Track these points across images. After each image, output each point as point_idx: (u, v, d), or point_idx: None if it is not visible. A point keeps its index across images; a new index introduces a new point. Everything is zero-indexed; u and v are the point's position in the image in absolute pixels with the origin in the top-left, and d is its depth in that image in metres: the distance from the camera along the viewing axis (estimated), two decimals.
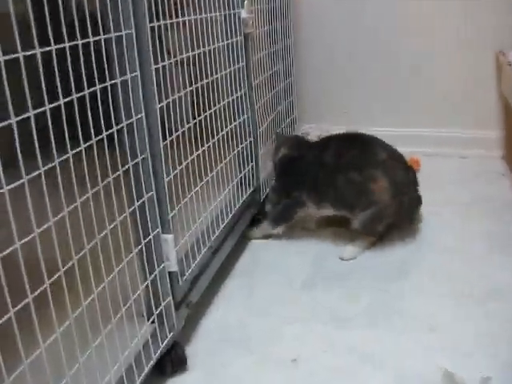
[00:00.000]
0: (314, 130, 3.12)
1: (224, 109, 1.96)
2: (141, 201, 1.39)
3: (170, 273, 1.52)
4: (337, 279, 1.98)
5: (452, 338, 1.64)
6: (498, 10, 2.98)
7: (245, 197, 2.14)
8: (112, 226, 1.26)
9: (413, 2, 3.09)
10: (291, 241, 2.25)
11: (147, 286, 1.44)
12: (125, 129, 1.32)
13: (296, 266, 2.07)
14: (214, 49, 1.87)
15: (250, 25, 2.10)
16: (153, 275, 1.45)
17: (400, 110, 3.23)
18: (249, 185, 2.20)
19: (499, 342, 1.61)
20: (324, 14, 3.21)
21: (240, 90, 2.07)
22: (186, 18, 1.64)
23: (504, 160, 3.07)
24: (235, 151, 2.05)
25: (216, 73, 1.90)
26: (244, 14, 2.05)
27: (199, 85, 1.75)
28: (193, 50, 1.71)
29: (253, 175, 2.21)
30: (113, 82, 1.26)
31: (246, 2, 2.06)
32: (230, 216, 1.99)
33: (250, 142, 2.16)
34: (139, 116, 1.35)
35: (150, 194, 1.41)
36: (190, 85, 1.72)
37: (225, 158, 1.95)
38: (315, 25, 3.23)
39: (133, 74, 1.32)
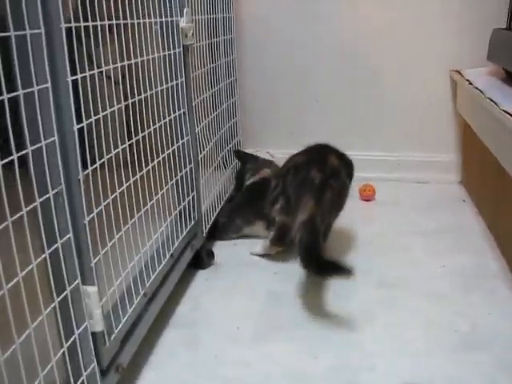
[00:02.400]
0: (259, 154, 2.85)
1: (160, 131, 1.68)
2: (53, 247, 1.09)
3: (93, 333, 1.22)
4: (293, 328, 1.71)
5: None
6: (451, 28, 2.81)
7: (185, 232, 1.86)
8: (14, 281, 0.97)
9: (363, 17, 2.88)
10: (238, 281, 1.98)
11: (64, 354, 1.14)
12: (30, 155, 1.02)
13: (244, 312, 1.79)
14: (149, 61, 1.60)
15: (190, 36, 1.84)
16: (71, 339, 1.15)
17: (351, 132, 3.00)
18: (189, 218, 1.92)
19: None
20: (270, 30, 2.97)
21: (179, 110, 1.80)
22: (114, 22, 1.36)
23: (462, 185, 2.88)
24: (173, 180, 1.76)
25: (151, 89, 1.62)
26: (183, 23, 1.79)
27: (130, 102, 1.46)
28: (123, 61, 1.43)
29: (194, 206, 1.93)
30: (12, 94, 0.96)
31: (185, 10, 1.80)
32: (168, 255, 1.70)
33: (191, 168, 1.89)
34: (51, 139, 1.06)
35: (65, 238, 1.11)
36: (120, 102, 1.43)
37: (161, 188, 1.67)
38: (260, 42, 2.98)
39: (41, 86, 1.03)
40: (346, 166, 2.06)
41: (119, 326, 1.35)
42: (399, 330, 1.68)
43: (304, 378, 1.48)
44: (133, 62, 1.49)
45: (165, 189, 1.67)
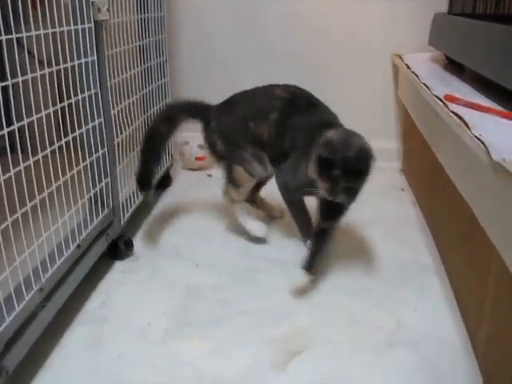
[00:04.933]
0: (194, 139, 2.72)
1: (68, 111, 1.55)
2: None
3: None
4: (209, 326, 1.60)
5: None
6: (394, 12, 2.72)
7: (96, 220, 1.73)
8: None
9: (305, 6, 2.77)
10: (156, 273, 1.86)
11: None
12: None
13: (159, 307, 1.67)
14: (54, 36, 1.46)
15: (104, 10, 1.70)
16: None
17: None
18: (103, 205, 1.79)
19: None
20: (204, 7, 2.84)
21: (89, 90, 1.67)
22: None
23: (403, 173, 2.81)
24: (80, 165, 1.63)
25: (57, 65, 1.49)
26: None
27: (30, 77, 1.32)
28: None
29: (108, 193, 1.80)
30: None
31: None
32: (74, 246, 1.57)
33: (104, 153, 1.76)
34: None
35: None
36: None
37: (68, 172, 1.54)
38: (194, 20, 2.85)
39: None
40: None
41: (4, 325, 1.22)
42: (321, 327, 1.58)
43: (213, 382, 1.37)
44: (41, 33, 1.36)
45: (70, 174, 1.54)
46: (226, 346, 1.50)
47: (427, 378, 1.39)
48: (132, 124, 2.05)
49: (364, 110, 2.84)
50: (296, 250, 1.93)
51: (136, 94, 2.13)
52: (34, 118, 1.35)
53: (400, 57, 2.64)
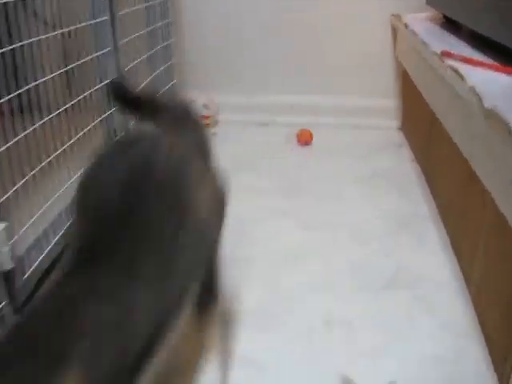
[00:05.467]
0: (199, 98, 2.81)
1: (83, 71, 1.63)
2: None
3: (5, 273, 1.20)
4: None
5: (351, 333, 1.43)
6: None
7: None
8: None
9: None
10: None
11: None
12: None
13: None
14: None
15: None
16: None
17: (290, 76, 2.97)
18: None
19: (402, 335, 1.42)
20: None
21: (103, 49, 1.75)
22: None
23: (401, 131, 2.90)
24: (95, 122, 1.72)
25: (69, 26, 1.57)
26: None
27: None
28: None
29: None
30: None
31: None
32: None
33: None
34: None
35: None
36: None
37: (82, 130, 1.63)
38: None
39: None
40: None
41: (33, 267, 1.32)
42: (324, 270, 1.69)
43: None
44: None
45: (84, 130, 1.63)
46: None
47: (423, 314, 1.49)
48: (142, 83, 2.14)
49: (363, 71, 2.91)
50: None
51: (144, 53, 2.20)
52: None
53: (399, 17, 2.71)
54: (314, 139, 2.69)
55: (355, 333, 1.43)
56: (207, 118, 2.87)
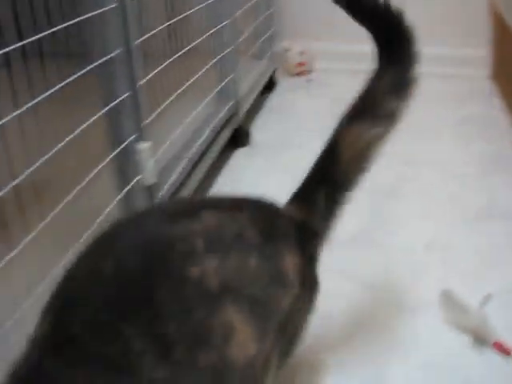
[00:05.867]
0: (296, 45, 2.95)
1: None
2: (114, 103, 1.24)
3: (148, 187, 1.38)
4: None
5: (450, 256, 1.56)
6: None
7: (225, 110, 1.99)
8: (80, 129, 1.11)
9: None
10: (271, 159, 2.12)
11: (121, 202, 1.30)
12: None
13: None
14: None
15: None
16: (127, 188, 1.31)
17: None
18: (228, 97, 2.05)
19: (499, 259, 1.54)
20: None
21: None
22: None
23: (492, 80, 2.94)
24: (214, 60, 1.88)
25: None
26: None
27: None
28: None
29: (233, 87, 2.06)
30: None
31: None
32: (210, 128, 1.84)
33: (230, 51, 2.00)
34: (113, 5, 1.18)
35: (125, 96, 1.26)
36: None
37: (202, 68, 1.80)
38: None
39: None
40: None
41: (169, 182, 1.50)
42: (423, 201, 1.82)
43: None
44: None
45: (207, 66, 1.79)
46: None
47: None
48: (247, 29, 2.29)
49: (454, 17, 2.96)
50: None
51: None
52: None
53: None
54: None
55: (454, 256, 1.55)
56: (303, 64, 3.00)
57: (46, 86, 0.97)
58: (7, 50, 0.87)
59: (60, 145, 1.05)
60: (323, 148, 1.02)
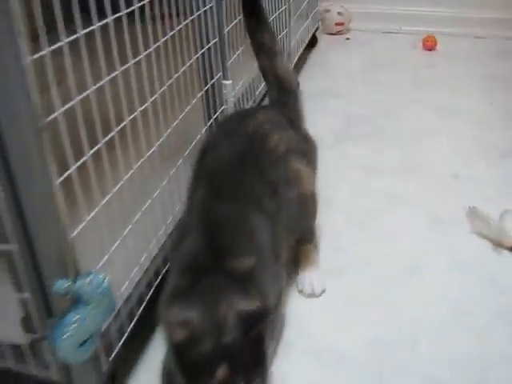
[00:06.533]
0: (334, 6, 3.23)
1: None
2: (207, 47, 1.53)
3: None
4: (364, 137, 2.17)
5: (474, 184, 1.84)
6: None
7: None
8: (182, 70, 1.39)
9: None
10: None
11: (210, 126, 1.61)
12: None
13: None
14: None
15: None
16: (215, 115, 1.61)
17: None
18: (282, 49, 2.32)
19: None
20: None
21: None
22: None
23: None
24: (272, 17, 2.15)
25: None
26: None
27: None
28: None
29: (285, 41, 2.33)
30: None
31: None
32: None
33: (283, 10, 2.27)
34: None
35: (214, 41, 1.55)
36: None
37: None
38: None
39: None
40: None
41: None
42: (451, 142, 2.12)
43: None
44: None
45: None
46: (382, 146, 2.05)
47: None
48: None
49: None
50: None
51: None
52: None
53: None
54: (437, 46, 3.04)
55: (479, 185, 1.83)
56: (341, 24, 3.26)
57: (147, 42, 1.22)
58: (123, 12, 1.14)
59: (169, 82, 1.33)
60: None
